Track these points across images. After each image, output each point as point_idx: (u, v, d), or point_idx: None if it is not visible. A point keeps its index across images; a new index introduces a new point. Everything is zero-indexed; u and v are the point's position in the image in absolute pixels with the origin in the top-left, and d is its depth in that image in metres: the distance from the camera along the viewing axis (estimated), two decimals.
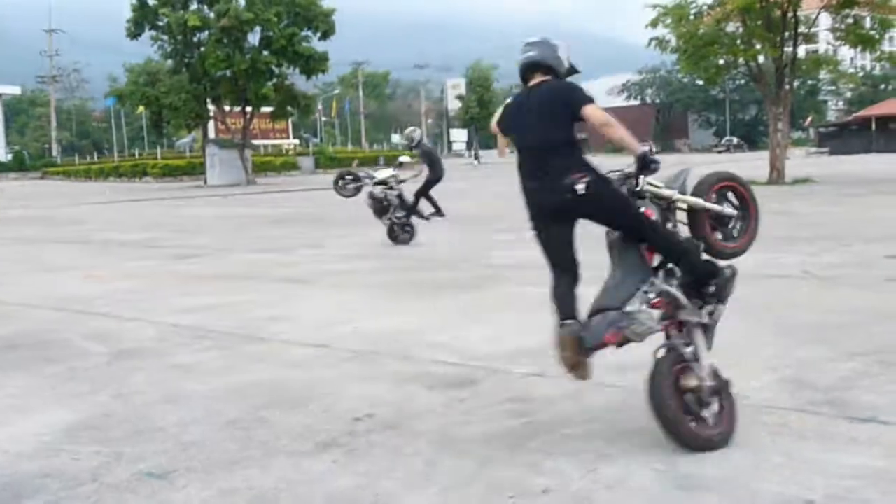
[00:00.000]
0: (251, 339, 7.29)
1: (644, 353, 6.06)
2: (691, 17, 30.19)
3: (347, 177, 15.59)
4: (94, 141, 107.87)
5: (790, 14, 29.14)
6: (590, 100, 4.42)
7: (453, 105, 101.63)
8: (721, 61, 31.95)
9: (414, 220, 14.46)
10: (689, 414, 4.24)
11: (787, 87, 30.34)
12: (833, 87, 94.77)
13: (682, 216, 4.71)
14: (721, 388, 4.37)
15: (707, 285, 4.49)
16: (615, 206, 4.41)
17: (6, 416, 5.28)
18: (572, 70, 4.76)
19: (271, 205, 28.96)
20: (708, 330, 4.49)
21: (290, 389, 5.61)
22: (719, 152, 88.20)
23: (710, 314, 4.49)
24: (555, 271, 4.53)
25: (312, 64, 47.48)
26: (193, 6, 46.77)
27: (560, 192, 4.32)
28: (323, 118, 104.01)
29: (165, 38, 47.33)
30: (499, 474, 4.00)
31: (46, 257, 14.75)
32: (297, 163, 64.60)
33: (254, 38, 47.43)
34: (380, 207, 14.35)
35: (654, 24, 30.01)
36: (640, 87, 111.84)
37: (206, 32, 46.58)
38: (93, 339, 7.48)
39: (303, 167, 63.37)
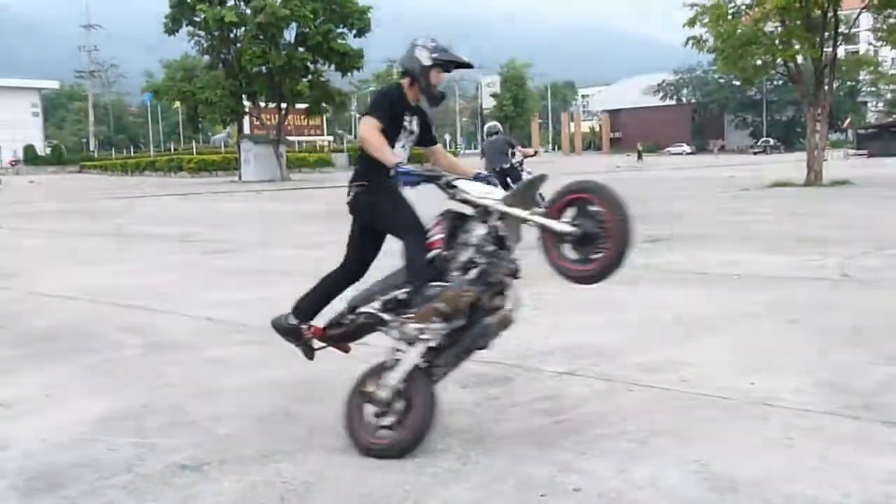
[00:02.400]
0: None
1: (672, 355, 6.04)
2: (729, 16, 29.90)
3: None
4: (131, 135, 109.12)
5: (830, 14, 28.77)
6: (366, 112, 4.59)
7: (488, 103, 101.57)
8: (759, 61, 31.59)
9: None
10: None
11: (826, 87, 29.95)
12: (873, 89, 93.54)
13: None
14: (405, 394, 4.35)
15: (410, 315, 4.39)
16: (379, 215, 4.62)
17: (43, 407, 5.35)
18: (462, 64, 4.73)
19: (305, 201, 29.12)
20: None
21: (323, 384, 5.62)
22: (755, 153, 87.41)
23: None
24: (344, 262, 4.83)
25: (347, 61, 47.67)
26: (230, 2, 47.19)
27: (347, 195, 4.72)
28: (357, 115, 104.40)
29: (202, 34, 47.75)
30: (530, 472, 3.99)
31: (83, 250, 14.92)
32: (331, 159, 64.89)
33: (289, 34, 47.74)
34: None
35: (691, 23, 29.76)
36: (676, 88, 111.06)
37: (243, 29, 46.96)
38: (128, 331, 7.56)
39: (337, 164, 63.67)
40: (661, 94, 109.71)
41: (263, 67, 47.22)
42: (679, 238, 13.66)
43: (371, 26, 47.53)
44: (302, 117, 60.99)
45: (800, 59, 30.35)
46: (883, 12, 29.86)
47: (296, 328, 4.87)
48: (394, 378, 4.32)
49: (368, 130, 4.47)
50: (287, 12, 45.11)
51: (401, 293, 4.43)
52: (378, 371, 4.44)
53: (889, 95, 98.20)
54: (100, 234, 18.06)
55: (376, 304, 4.53)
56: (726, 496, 3.68)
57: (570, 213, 4.17)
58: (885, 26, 30.28)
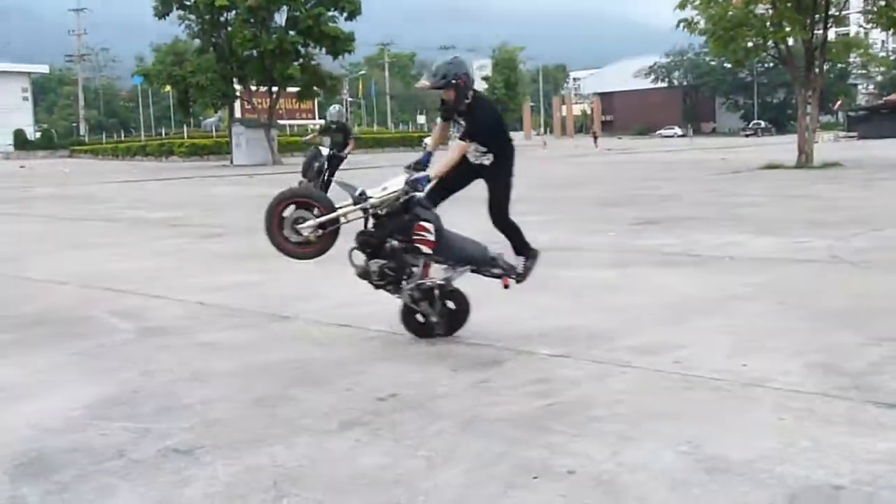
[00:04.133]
0: (277, 317, 7.32)
1: (665, 337, 6.05)
2: None
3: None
4: (122, 120, 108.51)
5: None
6: None
7: (479, 86, 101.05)
8: (750, 44, 31.56)
9: None
10: None
11: (817, 70, 29.96)
12: (863, 71, 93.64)
13: None
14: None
15: None
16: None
17: (34, 392, 5.33)
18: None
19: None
20: None
21: (315, 368, 5.62)
22: (747, 136, 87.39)
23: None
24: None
25: (338, 44, 47.51)
26: None
27: None
28: (349, 99, 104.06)
29: (192, 17, 47.54)
30: (523, 455, 3.99)
31: (74, 235, 14.87)
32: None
33: (280, 17, 47.53)
34: (311, 170, 15.27)
35: (682, 5, 29.73)
36: (667, 70, 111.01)
37: (233, 12, 46.73)
38: (120, 316, 7.53)
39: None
40: (653, 76, 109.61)
41: (254, 51, 47.05)
42: (671, 220, 13.68)
43: (362, 9, 47.35)
44: (293, 101, 60.76)
45: (790, 41, 30.36)
46: None
47: None
48: None
49: None
50: None
51: None
52: None
53: (879, 78, 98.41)
54: (91, 219, 17.99)
55: None
56: (718, 477, 3.69)
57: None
58: (874, 8, 30.29)
